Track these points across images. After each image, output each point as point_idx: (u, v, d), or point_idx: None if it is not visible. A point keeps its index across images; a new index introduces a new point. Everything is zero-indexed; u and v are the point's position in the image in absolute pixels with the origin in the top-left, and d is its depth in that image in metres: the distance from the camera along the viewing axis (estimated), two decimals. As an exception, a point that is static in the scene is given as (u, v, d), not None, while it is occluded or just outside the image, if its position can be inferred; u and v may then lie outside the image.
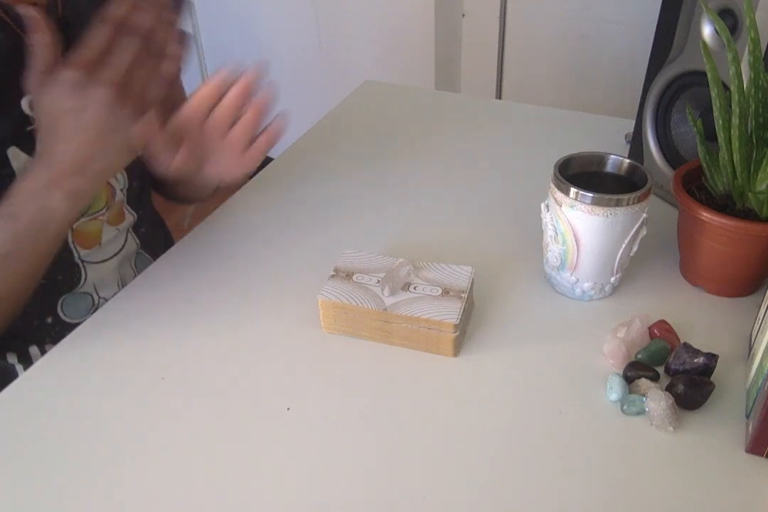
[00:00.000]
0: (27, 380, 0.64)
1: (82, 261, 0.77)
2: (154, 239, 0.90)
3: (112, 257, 0.81)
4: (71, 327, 0.71)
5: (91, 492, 0.54)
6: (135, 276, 0.85)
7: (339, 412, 0.60)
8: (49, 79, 0.59)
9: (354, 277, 0.66)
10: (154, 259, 0.88)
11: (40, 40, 0.59)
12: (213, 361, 0.65)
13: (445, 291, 0.64)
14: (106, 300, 0.81)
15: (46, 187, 0.61)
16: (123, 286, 0.83)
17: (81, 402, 0.61)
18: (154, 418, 0.60)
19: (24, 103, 0.66)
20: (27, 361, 0.75)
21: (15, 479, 0.55)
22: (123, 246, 0.82)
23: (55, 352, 0.66)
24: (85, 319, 0.78)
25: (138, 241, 0.85)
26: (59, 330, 0.77)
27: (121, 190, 0.79)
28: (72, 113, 0.59)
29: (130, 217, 0.82)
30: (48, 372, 0.64)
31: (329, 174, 0.93)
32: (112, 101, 0.59)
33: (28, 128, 0.67)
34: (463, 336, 0.65)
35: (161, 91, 0.63)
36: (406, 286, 0.65)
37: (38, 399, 0.62)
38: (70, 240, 0.75)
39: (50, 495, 0.54)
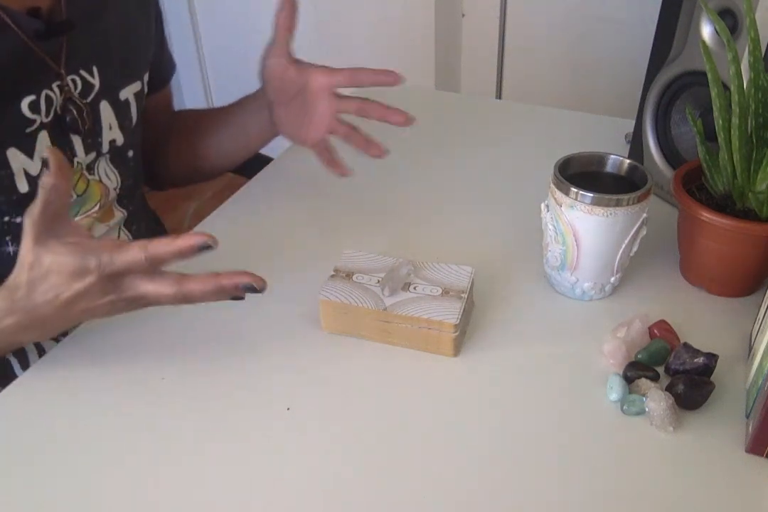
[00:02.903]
0: (27, 380, 0.64)
1: None
2: (148, 236, 0.90)
3: None
4: None
5: (91, 492, 0.54)
6: None
7: (339, 412, 0.60)
8: (54, 229, 0.56)
9: (354, 277, 0.66)
10: None
11: (52, 186, 0.56)
12: (213, 361, 0.65)
13: (445, 291, 0.64)
14: None
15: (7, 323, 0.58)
16: None
17: (81, 402, 0.61)
18: (153, 418, 0.60)
19: (23, 104, 0.66)
20: (22, 355, 0.75)
21: (15, 479, 0.55)
22: None
23: (55, 352, 0.66)
24: None
25: (131, 238, 0.85)
26: None
27: (114, 188, 0.79)
28: (74, 295, 0.56)
29: (119, 214, 0.82)
30: (48, 372, 0.64)
31: (329, 174, 0.93)
32: (121, 302, 0.58)
33: (27, 130, 0.67)
34: (463, 336, 0.65)
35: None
36: (406, 286, 0.65)
37: (38, 399, 0.62)
38: None
39: (50, 495, 0.54)
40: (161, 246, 0.56)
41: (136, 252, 0.56)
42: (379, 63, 1.97)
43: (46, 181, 0.56)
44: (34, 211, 0.56)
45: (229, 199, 0.88)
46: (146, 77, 0.82)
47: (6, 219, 0.70)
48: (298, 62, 0.76)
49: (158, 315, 0.70)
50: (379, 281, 0.66)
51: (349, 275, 0.67)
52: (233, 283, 0.57)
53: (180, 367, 0.64)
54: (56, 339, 0.69)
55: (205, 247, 0.56)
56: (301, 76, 0.76)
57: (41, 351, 0.75)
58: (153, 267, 0.57)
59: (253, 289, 0.57)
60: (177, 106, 0.98)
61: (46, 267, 0.56)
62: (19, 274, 0.57)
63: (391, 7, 1.76)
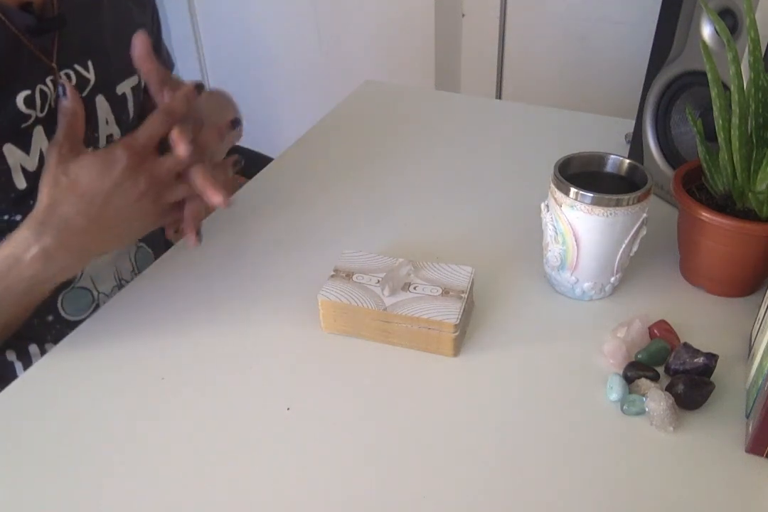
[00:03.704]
0: (27, 380, 0.64)
1: None
2: (152, 232, 0.90)
3: None
4: (73, 324, 0.71)
5: (91, 491, 0.54)
6: (133, 269, 0.85)
7: (339, 412, 0.60)
8: (78, 150, 0.60)
9: (354, 277, 0.66)
10: (154, 252, 0.88)
11: (72, 110, 0.61)
12: (213, 361, 0.65)
13: (445, 292, 0.64)
14: (106, 295, 0.81)
15: (34, 239, 0.60)
16: (120, 280, 0.83)
17: (81, 402, 0.61)
18: (154, 418, 0.60)
19: (19, 100, 0.66)
20: (26, 359, 0.75)
21: (15, 479, 0.55)
22: None
23: (56, 352, 0.66)
24: (86, 316, 0.78)
25: None
26: (60, 329, 0.77)
27: None
28: (109, 193, 0.60)
29: None
30: (48, 372, 0.64)
31: (329, 174, 0.93)
32: (152, 193, 0.62)
33: (23, 125, 0.67)
34: (463, 336, 0.65)
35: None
36: (406, 286, 0.65)
37: (38, 399, 0.62)
38: None
39: (50, 495, 0.54)
40: (168, 100, 0.63)
41: (151, 117, 0.61)
42: (379, 63, 1.96)
43: (65, 105, 0.61)
44: (57, 137, 0.60)
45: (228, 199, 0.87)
46: None
47: (5, 217, 0.69)
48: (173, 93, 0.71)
49: (158, 314, 0.70)
50: (379, 281, 0.66)
51: (349, 275, 0.67)
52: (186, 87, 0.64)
53: (180, 367, 0.64)
54: (56, 341, 0.69)
55: (200, 86, 0.65)
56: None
57: (42, 349, 0.75)
58: (175, 121, 0.62)
59: (201, 86, 0.65)
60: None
61: (72, 178, 0.59)
62: (39, 201, 0.60)
63: (391, 7, 1.76)
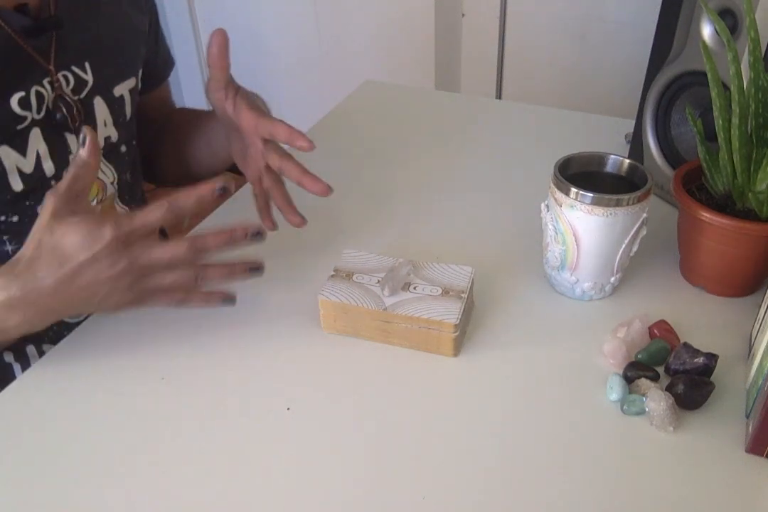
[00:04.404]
0: (26, 380, 0.64)
1: None
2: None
3: None
4: (70, 326, 0.71)
5: (90, 492, 0.54)
6: None
7: (339, 412, 0.60)
8: (76, 204, 0.57)
9: (354, 277, 0.66)
10: None
11: (85, 162, 0.58)
12: (213, 361, 0.65)
13: (445, 291, 0.64)
14: None
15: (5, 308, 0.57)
16: None
17: (80, 402, 0.61)
18: (153, 418, 0.60)
19: (12, 101, 0.66)
20: (24, 361, 0.75)
21: (14, 479, 0.55)
22: None
23: (55, 352, 0.66)
24: (84, 318, 0.78)
25: None
26: (57, 330, 0.77)
27: (112, 183, 0.79)
28: (83, 264, 0.56)
29: (122, 212, 0.82)
30: (47, 373, 0.64)
31: (329, 174, 0.93)
32: (129, 277, 0.58)
33: (18, 127, 0.67)
34: (463, 336, 0.65)
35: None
36: (406, 286, 0.65)
37: (38, 399, 0.62)
38: None
39: (50, 496, 0.54)
40: (181, 195, 0.57)
41: (155, 205, 0.57)
42: (379, 63, 1.96)
43: (81, 155, 0.58)
44: (60, 186, 0.57)
45: (228, 198, 0.87)
46: (140, 73, 0.82)
47: (2, 218, 0.69)
48: (237, 97, 0.71)
49: (158, 315, 0.70)
50: (379, 281, 0.66)
51: (349, 275, 0.67)
52: (243, 228, 0.60)
53: (180, 367, 0.64)
54: (53, 342, 0.69)
55: (224, 190, 0.58)
56: (235, 115, 0.72)
57: (40, 351, 0.75)
58: (174, 219, 0.58)
59: (259, 235, 0.61)
60: (177, 105, 0.98)
61: (56, 238, 0.56)
62: (24, 250, 0.58)
63: (391, 7, 1.76)
